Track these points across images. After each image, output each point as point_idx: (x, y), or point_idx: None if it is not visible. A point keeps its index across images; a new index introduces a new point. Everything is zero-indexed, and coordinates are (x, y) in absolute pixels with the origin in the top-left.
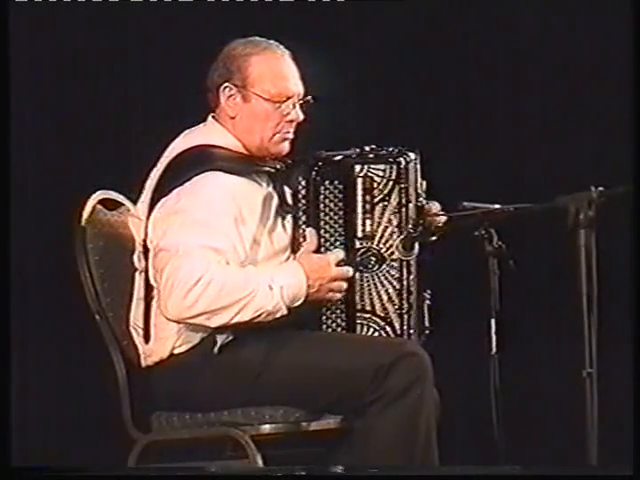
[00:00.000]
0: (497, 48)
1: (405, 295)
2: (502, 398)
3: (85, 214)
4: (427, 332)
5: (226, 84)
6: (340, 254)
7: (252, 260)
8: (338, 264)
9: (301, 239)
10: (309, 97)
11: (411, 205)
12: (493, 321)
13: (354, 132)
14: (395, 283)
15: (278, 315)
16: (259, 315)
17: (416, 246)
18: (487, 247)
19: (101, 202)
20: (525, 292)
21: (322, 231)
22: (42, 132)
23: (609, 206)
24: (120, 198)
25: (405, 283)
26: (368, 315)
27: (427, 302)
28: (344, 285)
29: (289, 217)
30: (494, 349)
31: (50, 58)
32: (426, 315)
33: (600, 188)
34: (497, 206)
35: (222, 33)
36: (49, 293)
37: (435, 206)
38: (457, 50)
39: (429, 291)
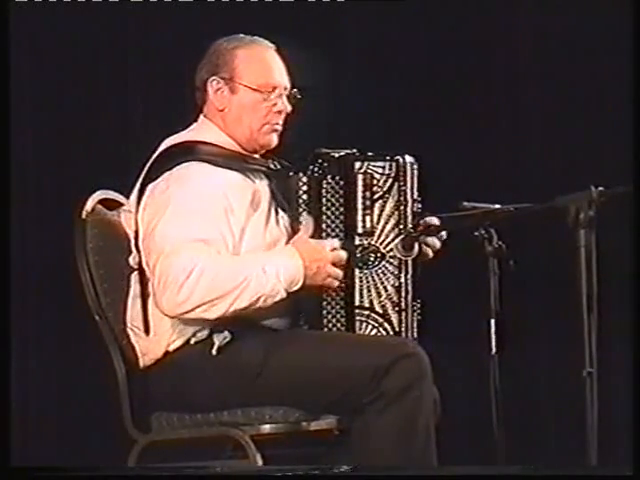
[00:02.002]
0: (497, 48)
1: (403, 292)
2: (502, 398)
3: (85, 214)
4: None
5: (213, 77)
6: (335, 242)
7: (242, 250)
8: (333, 250)
9: (297, 227)
10: (295, 90)
11: (409, 203)
12: (493, 321)
13: (352, 131)
14: (394, 280)
15: (277, 298)
16: (257, 300)
17: (416, 246)
18: (487, 247)
19: (101, 202)
20: (525, 292)
21: (324, 225)
22: (42, 132)
23: (609, 206)
24: (120, 198)
25: (404, 280)
26: (367, 312)
27: (417, 312)
28: (340, 272)
29: (283, 214)
30: (494, 349)
31: (50, 58)
32: (415, 326)
33: (600, 188)
34: (497, 206)
35: (222, 33)
36: (49, 293)
37: (434, 221)
38: (457, 50)
39: (419, 301)
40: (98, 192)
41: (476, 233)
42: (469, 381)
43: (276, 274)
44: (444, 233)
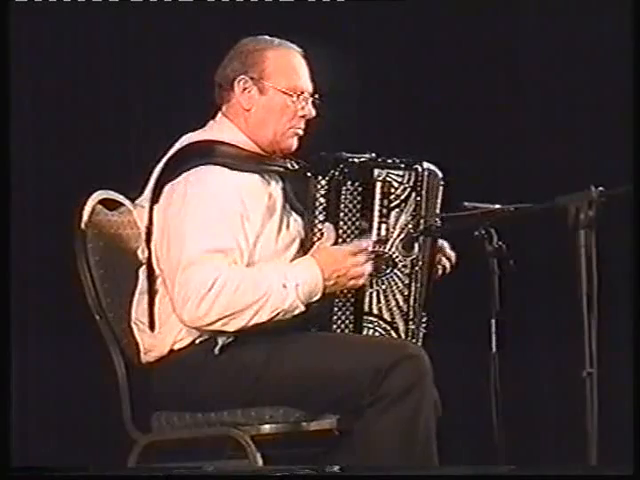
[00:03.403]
0: (498, 48)
1: (412, 301)
2: (502, 398)
3: (85, 214)
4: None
5: (242, 76)
6: (361, 244)
7: (256, 258)
8: (356, 254)
9: (317, 235)
10: (318, 96)
11: (423, 213)
12: (493, 321)
13: (357, 132)
14: (403, 289)
15: (296, 312)
16: (276, 315)
17: (416, 246)
18: (487, 247)
19: (101, 202)
20: (525, 292)
21: (340, 231)
22: (42, 132)
23: (609, 206)
24: (120, 198)
25: (413, 289)
26: (375, 319)
27: (423, 326)
28: (365, 270)
29: (296, 216)
30: (494, 349)
31: (50, 58)
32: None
33: (600, 188)
34: (497, 206)
35: (223, 33)
36: (49, 293)
37: (449, 252)
38: (457, 51)
39: (425, 313)
40: (98, 192)
41: (476, 233)
42: (469, 381)
43: (295, 290)
44: (450, 250)
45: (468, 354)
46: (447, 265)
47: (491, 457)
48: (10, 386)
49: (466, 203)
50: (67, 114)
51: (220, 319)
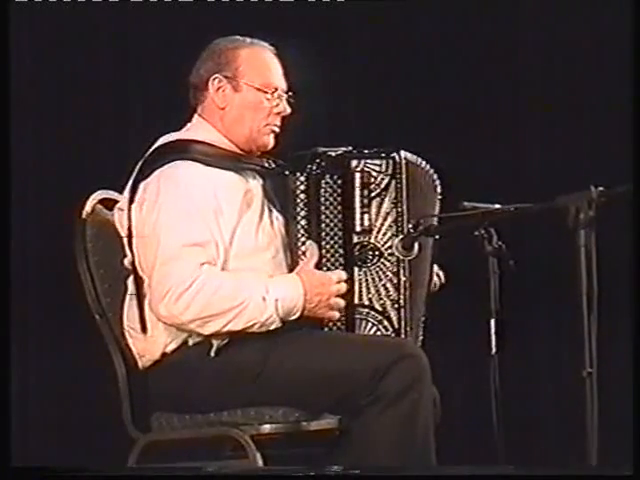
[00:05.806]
0: (497, 47)
1: (402, 289)
2: (502, 398)
3: (85, 214)
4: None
5: (216, 75)
6: (343, 274)
7: (233, 254)
8: (339, 283)
9: (301, 232)
10: (292, 94)
11: (405, 200)
12: (493, 321)
13: (352, 131)
14: (392, 277)
15: (272, 327)
16: (251, 326)
17: (416, 246)
18: (487, 247)
19: (101, 202)
20: (525, 292)
21: (322, 225)
22: (42, 132)
23: (609, 206)
24: (120, 198)
25: (402, 277)
26: (366, 310)
27: (421, 322)
28: (342, 303)
29: (277, 214)
30: (494, 349)
31: (50, 58)
32: (420, 334)
33: (600, 188)
34: (497, 206)
35: (222, 33)
36: (49, 293)
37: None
38: (457, 50)
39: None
40: (98, 192)
41: (476, 233)
42: (469, 381)
43: (274, 304)
44: (441, 274)
45: (468, 354)
46: (441, 275)
47: (491, 457)
48: (10, 386)
49: (466, 203)
50: (67, 114)
51: (195, 320)
